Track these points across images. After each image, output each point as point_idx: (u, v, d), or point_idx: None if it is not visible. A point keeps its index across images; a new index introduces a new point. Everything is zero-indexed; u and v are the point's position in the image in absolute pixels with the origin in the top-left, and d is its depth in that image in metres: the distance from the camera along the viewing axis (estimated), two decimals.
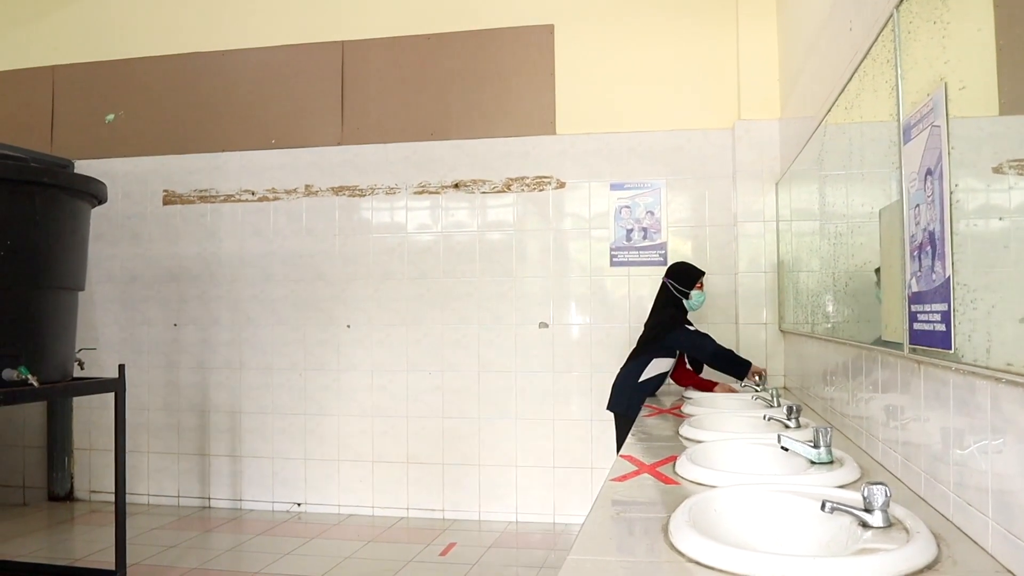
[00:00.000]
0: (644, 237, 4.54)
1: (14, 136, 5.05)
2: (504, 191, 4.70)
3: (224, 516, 4.80)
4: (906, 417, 1.73)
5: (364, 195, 4.87)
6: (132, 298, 5.15)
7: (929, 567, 1.15)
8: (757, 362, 3.99)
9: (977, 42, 1.31)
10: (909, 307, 1.64)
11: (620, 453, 2.22)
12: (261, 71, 5.07)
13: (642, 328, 3.79)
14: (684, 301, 3.67)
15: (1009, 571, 1.16)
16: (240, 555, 4.07)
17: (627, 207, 4.56)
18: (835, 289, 2.66)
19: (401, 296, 4.79)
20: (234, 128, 5.06)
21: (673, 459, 1.99)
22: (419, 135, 4.82)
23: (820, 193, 2.90)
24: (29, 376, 2.99)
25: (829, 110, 2.66)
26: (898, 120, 1.73)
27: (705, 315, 4.31)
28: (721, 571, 1.16)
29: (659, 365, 3.61)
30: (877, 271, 2.01)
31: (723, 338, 4.18)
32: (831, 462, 1.82)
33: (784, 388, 3.97)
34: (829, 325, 2.81)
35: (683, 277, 3.69)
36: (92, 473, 5.18)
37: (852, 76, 2.28)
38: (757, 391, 3.20)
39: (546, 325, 4.62)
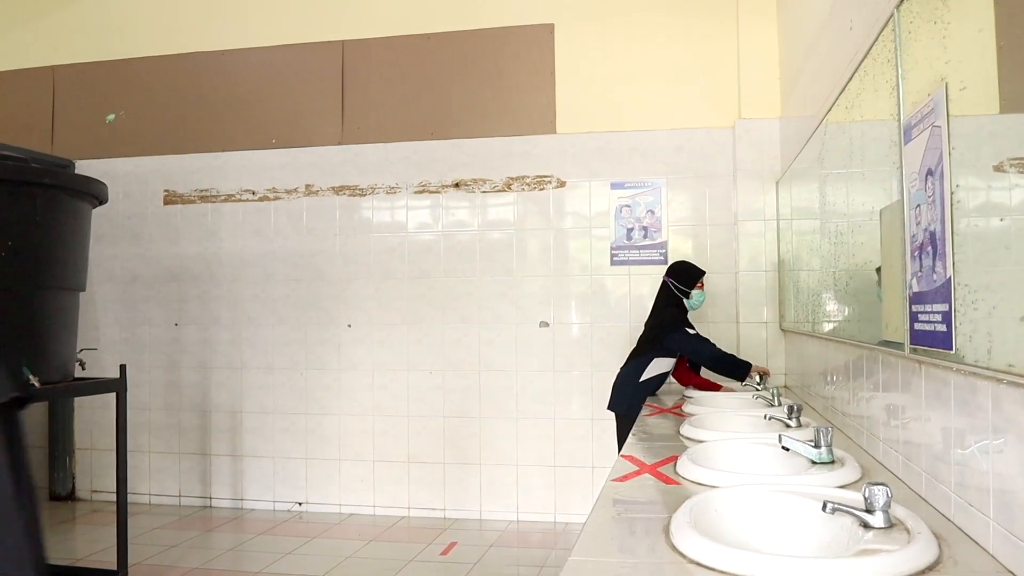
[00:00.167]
0: (645, 236, 4.54)
1: (15, 136, 5.05)
2: (505, 190, 4.70)
3: (225, 516, 4.80)
4: (907, 417, 1.73)
5: (365, 195, 4.87)
6: (133, 298, 5.15)
7: (930, 568, 1.15)
8: (758, 361, 3.99)
9: (978, 42, 1.31)
10: (910, 307, 1.64)
11: (621, 453, 2.22)
12: (261, 71, 5.07)
13: (643, 327, 3.80)
14: (684, 300, 3.67)
15: (1010, 572, 1.16)
16: (241, 555, 4.07)
17: (628, 206, 4.56)
18: (836, 288, 2.66)
19: (402, 295, 4.79)
20: (235, 128, 5.06)
21: (674, 459, 1.99)
22: (419, 134, 4.82)
23: (821, 192, 2.90)
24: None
25: (830, 109, 2.66)
26: (899, 120, 1.73)
27: (706, 314, 4.31)
28: (722, 572, 1.16)
29: (660, 365, 3.61)
30: (878, 270, 2.01)
31: (724, 337, 4.19)
32: (832, 462, 1.82)
33: (785, 387, 3.97)
34: (830, 324, 2.81)
35: (684, 276, 3.69)
36: (93, 473, 5.18)
37: (853, 75, 2.28)
38: (758, 390, 3.20)
39: (547, 324, 4.62)
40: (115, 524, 3.43)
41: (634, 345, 3.79)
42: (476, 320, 4.69)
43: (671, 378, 3.78)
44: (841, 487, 1.60)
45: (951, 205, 1.38)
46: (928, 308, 1.52)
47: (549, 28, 4.70)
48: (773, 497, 1.48)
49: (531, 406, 4.62)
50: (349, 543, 4.21)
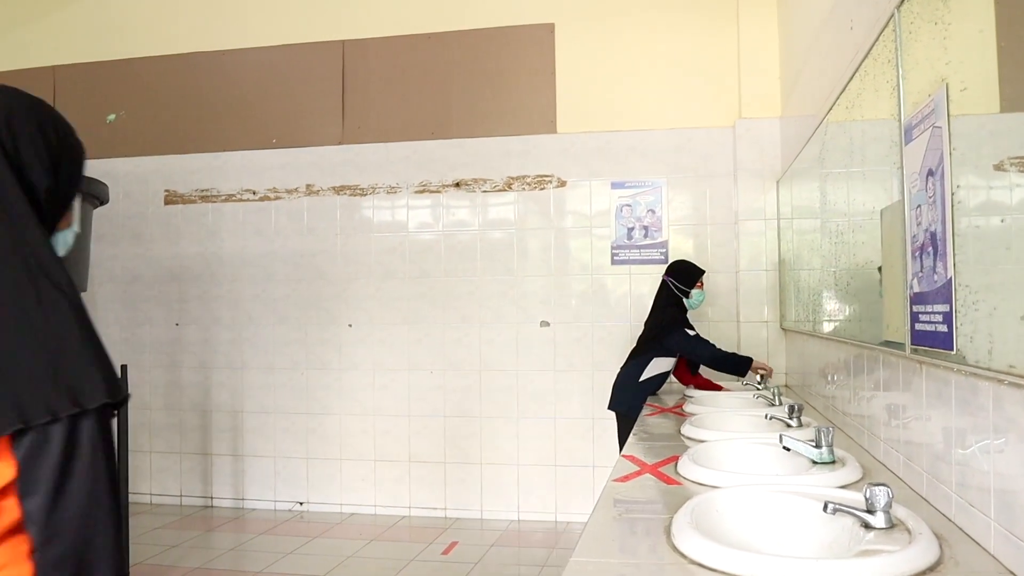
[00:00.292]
0: (645, 235, 4.54)
1: None
2: (505, 190, 4.70)
3: (226, 515, 4.81)
4: (908, 417, 1.73)
5: (365, 194, 4.87)
6: (134, 298, 5.15)
7: (931, 568, 1.16)
8: (759, 360, 3.99)
9: (978, 43, 1.31)
10: (911, 307, 1.65)
11: (622, 453, 2.22)
12: (262, 71, 5.07)
13: (643, 327, 3.80)
14: (684, 300, 3.67)
15: (1011, 572, 1.16)
16: (242, 554, 4.08)
17: (628, 205, 4.56)
18: (836, 288, 2.67)
19: (402, 295, 4.79)
20: (235, 128, 5.07)
21: (675, 459, 1.99)
22: (420, 134, 4.82)
23: (821, 191, 2.90)
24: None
25: (830, 109, 2.66)
26: (899, 120, 1.73)
27: (706, 313, 4.32)
28: (724, 573, 1.16)
29: (660, 364, 3.60)
30: (880, 269, 2.01)
31: (724, 336, 4.20)
32: (833, 462, 1.82)
33: (786, 386, 3.97)
34: (831, 324, 2.82)
35: (683, 275, 3.69)
36: None
37: (853, 75, 2.28)
38: (759, 389, 3.21)
39: (547, 324, 4.62)
40: None
41: (634, 344, 3.79)
42: (477, 320, 4.70)
43: (672, 377, 3.78)
44: (842, 487, 1.60)
45: (952, 206, 1.38)
46: (929, 308, 1.52)
47: (549, 28, 4.70)
48: (774, 497, 1.49)
49: (532, 405, 4.62)
50: (350, 543, 4.21)
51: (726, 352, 3.61)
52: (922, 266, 1.56)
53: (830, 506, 1.29)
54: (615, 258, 4.57)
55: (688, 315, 3.70)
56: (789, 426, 2.34)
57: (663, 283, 3.74)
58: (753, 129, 4.33)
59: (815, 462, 1.83)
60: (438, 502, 4.71)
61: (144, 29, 5.24)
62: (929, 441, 1.57)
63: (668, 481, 1.82)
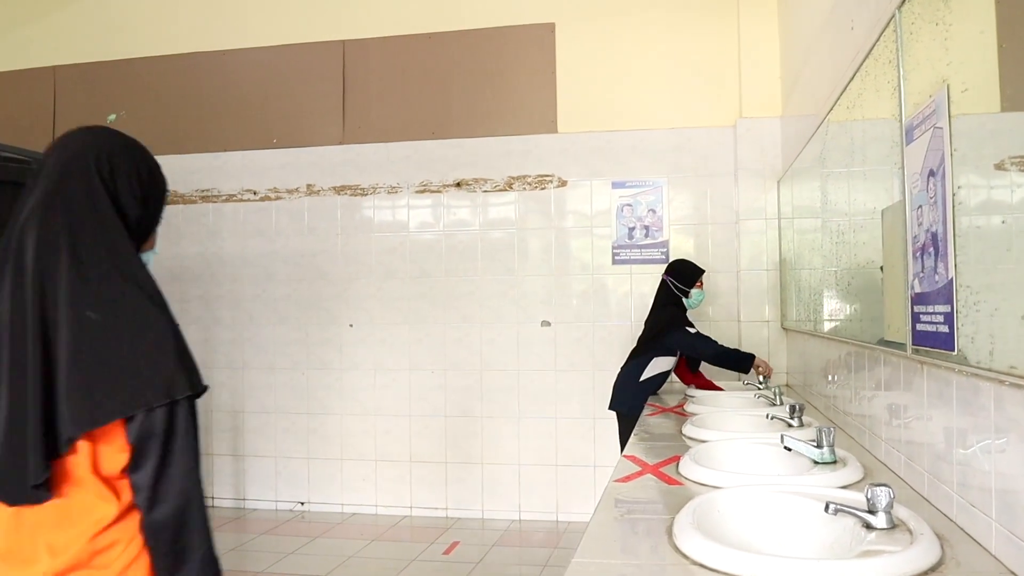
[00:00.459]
0: (646, 235, 4.54)
1: (16, 136, 5.04)
2: (506, 190, 4.70)
3: (227, 515, 4.81)
4: (909, 416, 1.73)
5: (366, 194, 4.88)
6: None
7: (933, 569, 1.16)
8: (759, 358, 3.99)
9: (979, 44, 1.31)
10: (912, 308, 1.65)
11: (623, 453, 2.23)
12: (262, 71, 5.07)
13: (643, 326, 3.79)
14: (684, 299, 3.66)
15: (1013, 573, 1.16)
16: (244, 554, 4.08)
17: (629, 205, 4.56)
18: (837, 287, 2.67)
19: (403, 295, 4.79)
20: (235, 128, 5.07)
21: (676, 459, 2.00)
22: (420, 134, 4.82)
23: (822, 191, 2.90)
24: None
25: (831, 109, 2.66)
26: (900, 121, 1.73)
27: (707, 313, 4.32)
28: (725, 574, 1.16)
29: (660, 364, 3.60)
30: (883, 269, 2.01)
31: (725, 336, 4.19)
32: (834, 462, 1.82)
33: (787, 386, 3.98)
34: (831, 323, 2.82)
35: (683, 275, 3.68)
36: None
37: (854, 75, 2.28)
38: (760, 389, 3.21)
39: (548, 323, 4.62)
40: None
41: (635, 344, 3.79)
42: (477, 319, 4.70)
43: (673, 376, 3.78)
44: (843, 487, 1.60)
45: (953, 207, 1.38)
46: (930, 309, 1.52)
47: (550, 27, 4.70)
48: (776, 498, 1.49)
49: (533, 405, 4.62)
50: (351, 543, 4.22)
51: (728, 348, 3.60)
52: (923, 266, 1.56)
53: (831, 506, 1.29)
54: (616, 258, 4.57)
55: (689, 314, 3.70)
56: (790, 426, 2.34)
57: (663, 282, 3.74)
58: (754, 129, 4.33)
59: (816, 462, 1.83)
60: (439, 502, 4.71)
61: (144, 29, 5.24)
62: (930, 441, 1.57)
63: (669, 481, 1.82)
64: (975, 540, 1.30)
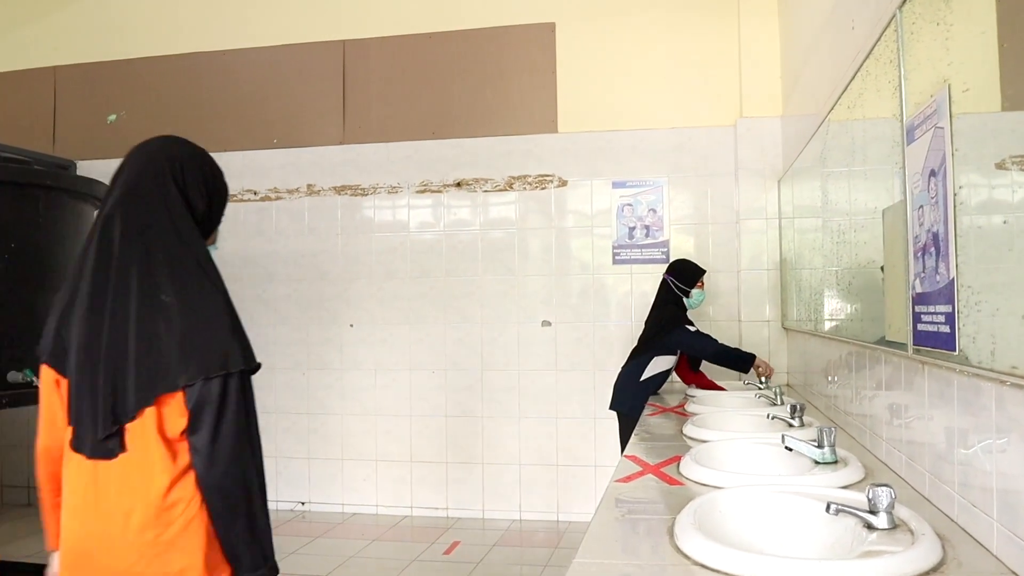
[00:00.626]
0: (646, 235, 4.54)
1: (16, 137, 5.05)
2: (506, 189, 4.70)
3: None
4: (910, 416, 1.73)
5: (366, 194, 4.88)
6: None
7: (934, 569, 1.16)
8: (759, 358, 3.99)
9: (980, 44, 1.31)
10: (913, 308, 1.65)
11: (624, 453, 2.23)
12: (262, 71, 5.07)
13: (643, 326, 3.79)
14: (684, 299, 3.66)
15: (1014, 573, 1.16)
16: None
17: (629, 205, 4.56)
18: (838, 287, 2.67)
19: (404, 295, 4.79)
20: (235, 128, 5.06)
21: (677, 459, 2.00)
22: (421, 134, 4.82)
23: (823, 190, 2.90)
24: (34, 378, 3.00)
25: (832, 108, 2.66)
26: (901, 120, 1.73)
27: (707, 312, 4.32)
28: (726, 574, 1.16)
29: (661, 363, 3.60)
30: (884, 268, 2.01)
31: (726, 335, 4.19)
32: (835, 462, 1.82)
33: (787, 385, 3.97)
34: (832, 323, 2.81)
35: (684, 275, 3.68)
36: None
37: (855, 75, 2.28)
38: (760, 389, 3.20)
39: (548, 323, 4.62)
40: None
41: (635, 344, 3.79)
42: (478, 319, 4.70)
43: (674, 376, 3.77)
44: (844, 487, 1.60)
45: (954, 206, 1.38)
46: (931, 309, 1.52)
47: (550, 27, 4.70)
48: (777, 498, 1.49)
49: (533, 405, 4.62)
50: (352, 543, 4.22)
51: (729, 347, 3.59)
52: (924, 266, 1.56)
53: (832, 507, 1.29)
54: (616, 258, 4.57)
55: (689, 314, 3.70)
56: (791, 426, 2.34)
57: (663, 282, 3.74)
58: (754, 128, 4.32)
59: (817, 462, 1.83)
60: (440, 502, 4.71)
61: (144, 29, 5.24)
62: (931, 441, 1.57)
63: (670, 481, 1.82)
64: (976, 540, 1.30)
